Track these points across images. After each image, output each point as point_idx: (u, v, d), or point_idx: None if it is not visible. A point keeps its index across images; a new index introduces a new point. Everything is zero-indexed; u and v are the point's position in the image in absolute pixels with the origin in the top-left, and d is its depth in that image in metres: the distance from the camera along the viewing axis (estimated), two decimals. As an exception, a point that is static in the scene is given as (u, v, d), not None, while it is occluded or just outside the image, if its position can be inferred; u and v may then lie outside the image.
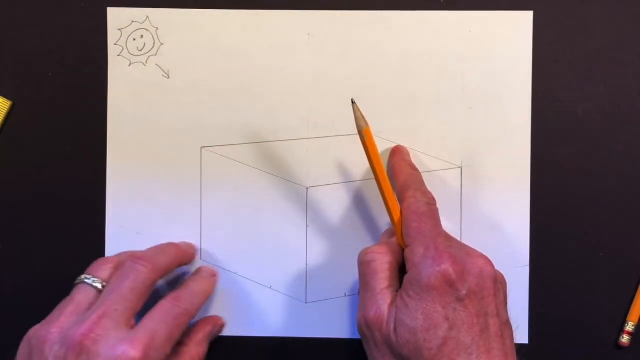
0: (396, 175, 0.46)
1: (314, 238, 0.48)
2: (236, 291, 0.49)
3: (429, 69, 0.48)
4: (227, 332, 0.49)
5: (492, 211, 0.48)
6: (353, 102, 0.43)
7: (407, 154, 0.48)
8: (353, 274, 0.48)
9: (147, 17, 0.49)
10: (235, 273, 0.49)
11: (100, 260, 0.44)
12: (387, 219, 0.48)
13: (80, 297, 0.42)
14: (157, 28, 0.49)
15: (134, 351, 0.38)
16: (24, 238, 0.49)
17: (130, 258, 0.43)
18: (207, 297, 0.47)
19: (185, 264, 0.48)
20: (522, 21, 0.48)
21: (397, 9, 0.48)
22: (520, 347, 0.44)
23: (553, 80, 0.48)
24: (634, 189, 0.48)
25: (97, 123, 0.49)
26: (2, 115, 0.49)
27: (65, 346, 0.38)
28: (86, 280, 0.43)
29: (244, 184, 0.49)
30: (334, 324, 0.49)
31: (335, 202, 0.48)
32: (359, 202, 0.48)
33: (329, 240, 0.48)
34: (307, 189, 0.48)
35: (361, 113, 0.43)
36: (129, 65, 0.49)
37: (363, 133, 0.43)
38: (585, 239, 0.48)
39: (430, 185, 0.48)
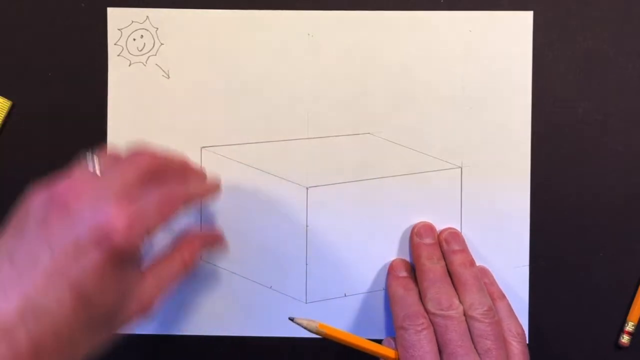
0: (391, 305, 0.46)
1: (314, 238, 0.48)
2: (236, 291, 0.49)
3: (429, 69, 0.48)
4: (227, 332, 0.49)
5: (492, 211, 0.48)
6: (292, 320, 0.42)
7: (400, 267, 0.47)
8: (353, 274, 0.49)
9: (147, 17, 0.49)
10: (235, 273, 0.49)
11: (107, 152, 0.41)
12: (387, 219, 0.48)
13: (77, 172, 0.38)
14: (157, 28, 0.49)
15: (118, 214, 0.34)
16: (24, 238, 0.49)
17: (135, 146, 0.40)
18: (207, 192, 0.44)
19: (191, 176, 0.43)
20: (522, 21, 0.48)
21: (397, 9, 0.48)
22: None
23: (553, 80, 0.48)
24: (634, 189, 0.48)
25: (97, 123, 0.49)
26: (2, 115, 0.49)
27: (47, 202, 0.35)
28: (87, 159, 0.39)
29: (244, 184, 0.49)
30: (334, 324, 0.48)
31: (335, 202, 0.48)
32: (359, 202, 0.48)
33: (329, 240, 0.48)
34: (307, 189, 0.48)
35: (304, 321, 0.42)
36: (129, 65, 0.49)
37: (320, 330, 0.42)
38: (585, 239, 0.48)
39: (430, 185, 0.48)
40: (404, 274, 0.47)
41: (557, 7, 0.48)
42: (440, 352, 0.43)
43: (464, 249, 0.47)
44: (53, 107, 0.49)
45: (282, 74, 0.49)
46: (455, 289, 0.45)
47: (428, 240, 0.47)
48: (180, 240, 0.43)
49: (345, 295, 0.49)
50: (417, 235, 0.47)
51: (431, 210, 0.48)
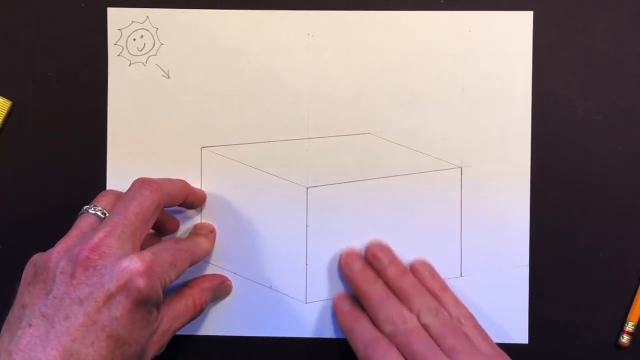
0: (349, 340, 0.46)
1: (314, 238, 0.48)
2: (236, 291, 0.49)
3: (429, 69, 0.48)
4: (227, 332, 0.49)
5: (492, 211, 0.48)
6: None
7: (342, 301, 0.47)
8: (353, 274, 0.49)
9: (147, 17, 0.49)
10: (235, 273, 0.49)
11: (102, 192, 0.45)
12: (387, 219, 0.48)
13: (82, 223, 0.42)
14: (157, 28, 0.49)
15: (139, 264, 0.38)
16: (24, 238, 0.49)
17: (136, 182, 0.43)
18: (207, 252, 0.47)
19: (194, 204, 0.48)
20: (522, 21, 0.48)
21: (397, 9, 0.48)
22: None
23: (553, 80, 0.48)
24: (634, 189, 0.48)
25: (97, 123, 0.49)
26: (2, 115, 0.49)
27: (72, 262, 0.39)
28: (89, 210, 0.43)
29: (244, 184, 0.49)
30: (334, 324, 0.49)
31: (335, 202, 0.48)
32: (359, 202, 0.48)
33: (329, 240, 0.48)
34: (307, 189, 0.48)
35: None
36: (129, 65, 0.49)
37: None
38: (585, 239, 0.48)
39: (430, 185, 0.48)
40: (347, 306, 0.47)
41: (557, 7, 0.48)
42: None
43: (392, 259, 0.47)
44: (53, 107, 0.49)
45: (282, 74, 0.49)
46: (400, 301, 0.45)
47: (357, 267, 0.47)
48: (192, 283, 0.47)
49: (345, 295, 0.49)
50: (345, 266, 0.47)
51: (431, 210, 0.48)
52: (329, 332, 0.49)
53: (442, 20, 0.48)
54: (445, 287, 0.47)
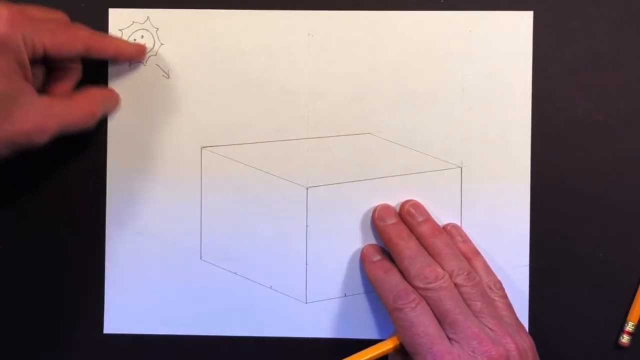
0: (377, 291, 0.46)
1: (314, 238, 0.48)
2: (236, 291, 0.49)
3: (429, 69, 0.48)
4: (227, 332, 0.49)
5: (492, 211, 0.48)
6: None
7: (372, 252, 0.47)
8: (353, 274, 0.49)
9: (148, 17, 0.49)
10: (235, 273, 0.49)
11: None
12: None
13: None
14: (158, 28, 0.49)
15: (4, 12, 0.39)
16: (24, 238, 0.49)
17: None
18: (114, 54, 0.47)
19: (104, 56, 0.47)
20: (522, 21, 0.48)
21: (397, 9, 0.48)
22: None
23: (553, 80, 0.48)
24: (634, 189, 0.48)
25: (97, 123, 0.49)
26: (2, 115, 0.49)
27: None
28: None
29: (244, 184, 0.49)
30: (334, 324, 0.49)
31: (335, 202, 0.48)
32: (359, 202, 0.48)
33: (329, 240, 0.48)
34: (307, 189, 0.48)
35: None
36: (129, 65, 0.49)
37: None
38: (585, 239, 0.48)
39: (430, 185, 0.48)
40: (377, 257, 0.47)
41: (557, 7, 0.48)
42: (439, 321, 0.42)
43: (428, 218, 0.47)
44: (53, 107, 0.49)
45: (282, 73, 0.49)
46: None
47: (392, 221, 0.47)
48: (85, 91, 0.46)
49: (345, 295, 0.49)
50: (379, 220, 0.47)
51: (431, 210, 0.48)
52: (329, 332, 0.49)
53: (442, 20, 0.48)
54: (477, 252, 0.47)
